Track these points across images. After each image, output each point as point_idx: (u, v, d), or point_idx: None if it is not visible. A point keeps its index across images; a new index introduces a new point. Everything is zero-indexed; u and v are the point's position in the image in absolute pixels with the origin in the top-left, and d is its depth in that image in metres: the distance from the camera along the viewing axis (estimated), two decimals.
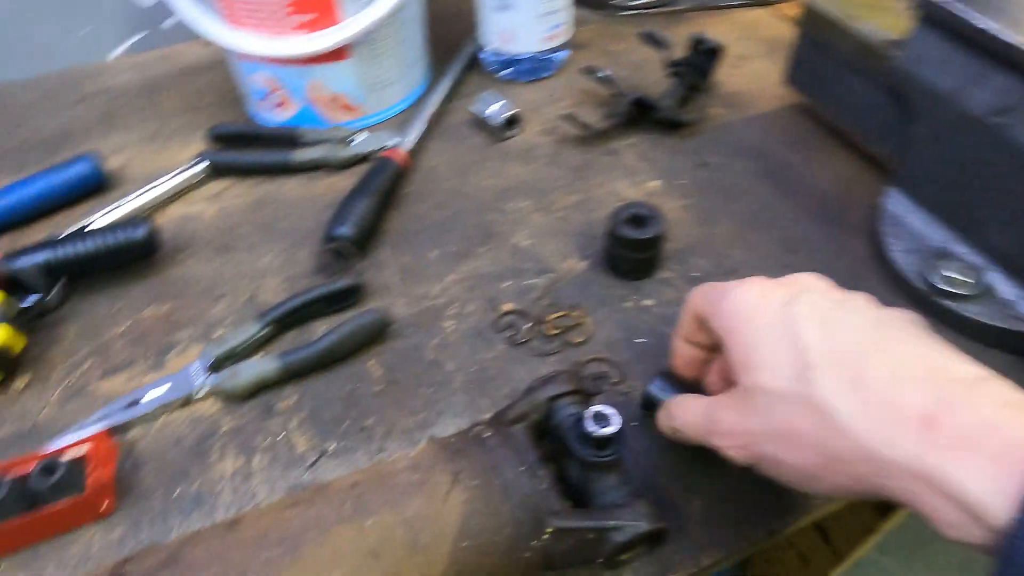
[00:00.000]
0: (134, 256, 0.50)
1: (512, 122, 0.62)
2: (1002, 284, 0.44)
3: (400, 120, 0.64)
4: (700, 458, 0.37)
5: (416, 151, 0.60)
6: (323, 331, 0.44)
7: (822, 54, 0.57)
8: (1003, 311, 0.43)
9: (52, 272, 0.48)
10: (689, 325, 0.36)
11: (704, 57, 0.63)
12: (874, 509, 0.72)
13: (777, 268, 0.49)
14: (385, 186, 0.54)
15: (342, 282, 0.47)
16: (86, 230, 0.50)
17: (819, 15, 0.56)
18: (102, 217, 0.54)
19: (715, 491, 0.37)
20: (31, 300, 0.47)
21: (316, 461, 0.40)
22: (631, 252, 0.47)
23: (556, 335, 0.45)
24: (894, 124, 0.51)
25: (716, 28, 0.75)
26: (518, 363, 0.44)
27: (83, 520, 0.37)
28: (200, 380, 0.43)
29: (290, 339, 0.46)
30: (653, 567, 0.34)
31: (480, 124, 0.63)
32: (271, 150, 0.60)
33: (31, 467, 0.36)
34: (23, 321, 0.46)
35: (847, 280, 0.32)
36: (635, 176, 0.58)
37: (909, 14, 0.47)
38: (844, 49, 0.54)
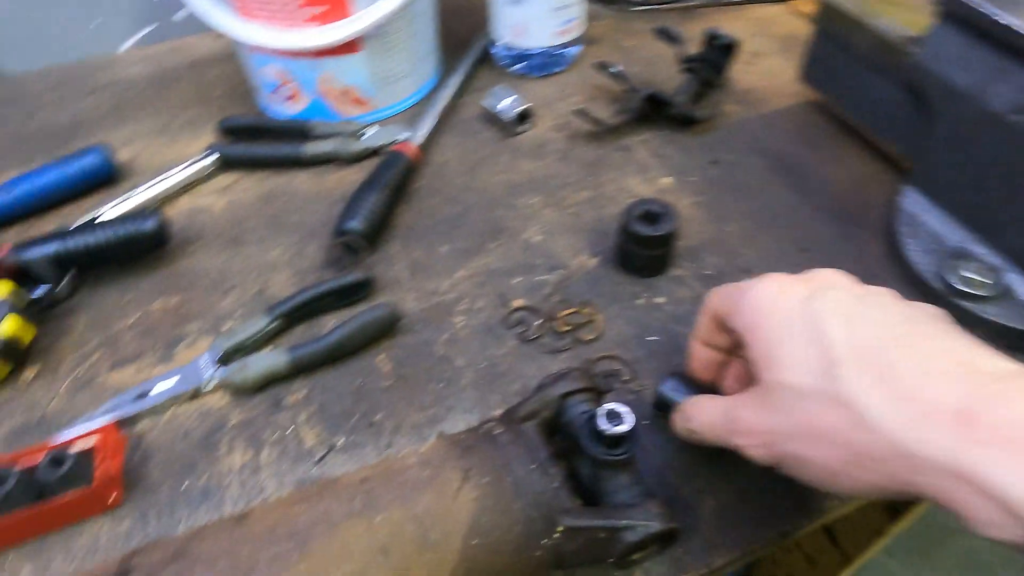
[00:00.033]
0: (144, 248, 0.50)
1: (524, 117, 0.62)
2: (1021, 285, 0.43)
3: (411, 114, 0.64)
4: (713, 458, 0.37)
5: (427, 145, 0.60)
6: (332, 325, 0.44)
7: (838, 51, 0.56)
8: (1022, 313, 0.42)
9: (62, 263, 0.48)
10: (707, 327, 0.36)
11: (718, 53, 0.62)
12: (883, 511, 0.71)
13: (791, 267, 0.47)
14: (395, 180, 0.54)
15: (352, 276, 0.46)
16: (96, 222, 0.51)
17: (836, 11, 0.55)
18: (112, 209, 0.54)
19: (728, 491, 0.37)
20: (41, 291, 0.47)
21: (325, 456, 0.39)
22: (643, 249, 0.47)
23: (567, 332, 0.45)
24: (911, 122, 0.50)
25: (731, 24, 0.74)
26: (528, 360, 0.44)
27: (91, 512, 0.37)
28: (209, 373, 0.43)
29: (299, 333, 0.46)
30: (664, 567, 0.34)
31: (491, 119, 0.63)
32: (281, 143, 0.60)
33: (39, 458, 0.36)
34: (32, 312, 0.46)
35: (863, 280, 0.32)
36: (647, 173, 0.57)
37: (928, 10, 0.46)
38: (861, 46, 0.53)
